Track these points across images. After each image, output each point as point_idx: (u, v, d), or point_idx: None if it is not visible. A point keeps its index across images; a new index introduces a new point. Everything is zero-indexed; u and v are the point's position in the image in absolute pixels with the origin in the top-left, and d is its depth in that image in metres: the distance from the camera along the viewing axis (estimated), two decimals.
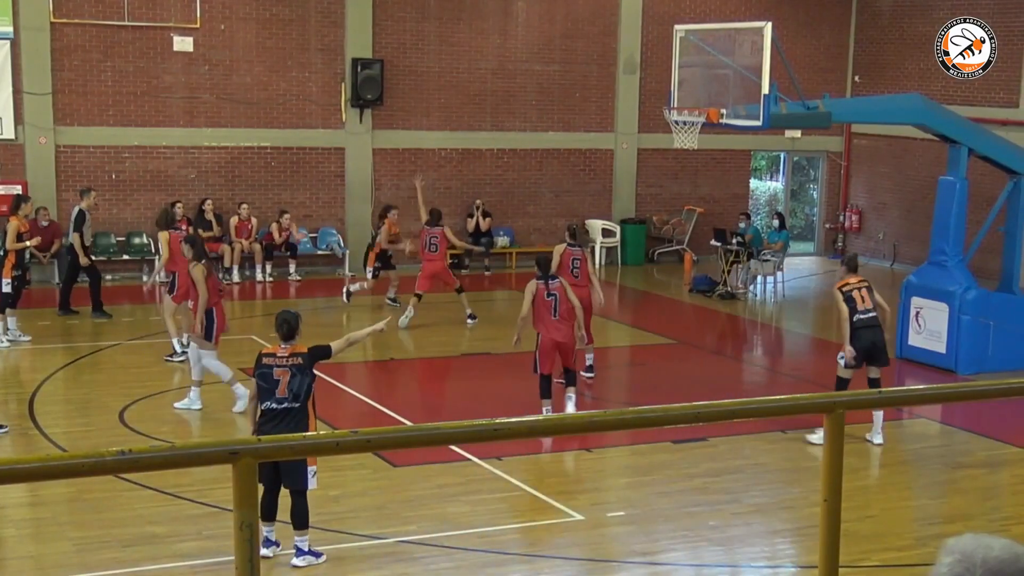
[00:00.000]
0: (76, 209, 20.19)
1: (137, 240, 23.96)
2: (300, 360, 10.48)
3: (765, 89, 16.76)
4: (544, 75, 27.17)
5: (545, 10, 26.97)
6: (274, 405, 10.38)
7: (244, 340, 17.92)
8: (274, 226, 24.49)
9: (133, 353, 18.28)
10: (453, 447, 12.79)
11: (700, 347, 20.06)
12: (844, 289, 14.33)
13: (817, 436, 13.67)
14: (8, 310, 18.27)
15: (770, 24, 17.25)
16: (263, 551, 10.15)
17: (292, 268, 24.77)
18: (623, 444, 14.00)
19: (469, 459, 13.06)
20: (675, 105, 18.42)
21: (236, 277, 24.04)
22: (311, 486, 10.35)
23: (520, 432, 4.20)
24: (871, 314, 14.19)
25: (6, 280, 18.03)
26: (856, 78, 29.42)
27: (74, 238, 20.13)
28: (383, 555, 10.70)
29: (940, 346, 18.11)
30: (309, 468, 10.23)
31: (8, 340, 18.20)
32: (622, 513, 12.16)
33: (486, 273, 26.26)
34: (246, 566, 3.49)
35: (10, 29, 22.90)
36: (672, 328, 20.60)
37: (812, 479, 12.68)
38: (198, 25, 24.21)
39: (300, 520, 10.39)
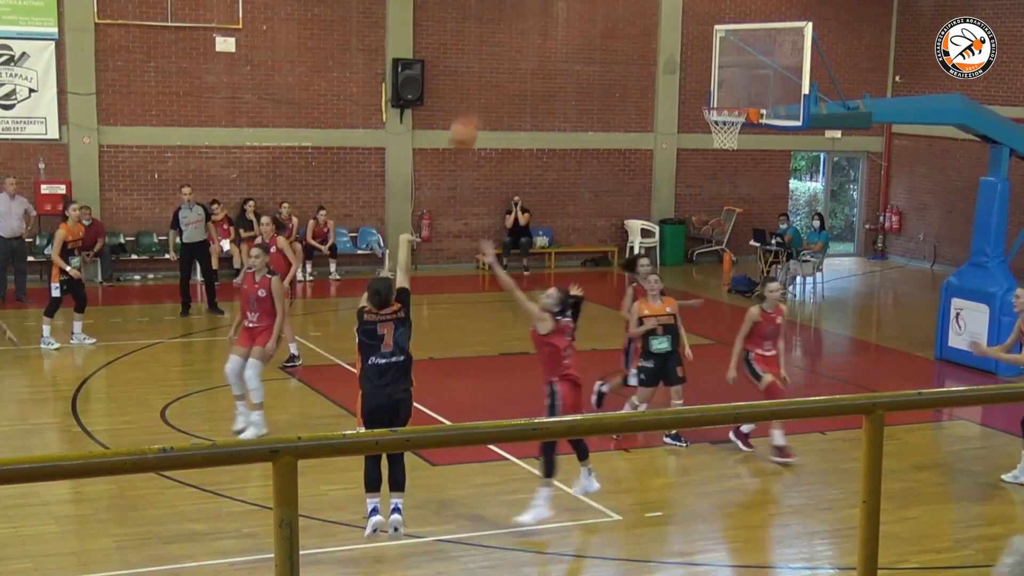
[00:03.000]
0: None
1: (178, 240, 24.11)
2: (402, 314, 10.93)
3: (805, 89, 16.71)
4: (584, 75, 27.18)
5: (585, 10, 26.98)
6: (380, 360, 10.78)
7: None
8: (311, 223, 24.62)
9: (174, 352, 18.40)
10: (491, 447, 12.82)
11: None
12: None
13: (1011, 475, 13.10)
14: (75, 314, 18.28)
15: (810, 24, 17.20)
16: (375, 519, 10.62)
17: (332, 267, 24.90)
18: (661, 444, 14.00)
19: (507, 459, 13.09)
20: (715, 105, 18.39)
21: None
22: None
23: (558, 432, 4.24)
24: None
25: (54, 284, 18.09)
26: (897, 78, 29.29)
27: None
28: (421, 554, 10.75)
29: None
30: None
31: (77, 341, 18.28)
32: (660, 513, 12.16)
33: (525, 273, 26.28)
34: (286, 564, 3.53)
35: (55, 30, 23.12)
36: (711, 328, 20.53)
37: (851, 480, 12.64)
38: (240, 26, 24.35)
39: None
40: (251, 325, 13.99)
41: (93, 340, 18.38)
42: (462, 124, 14.39)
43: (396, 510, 10.78)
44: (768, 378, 13.62)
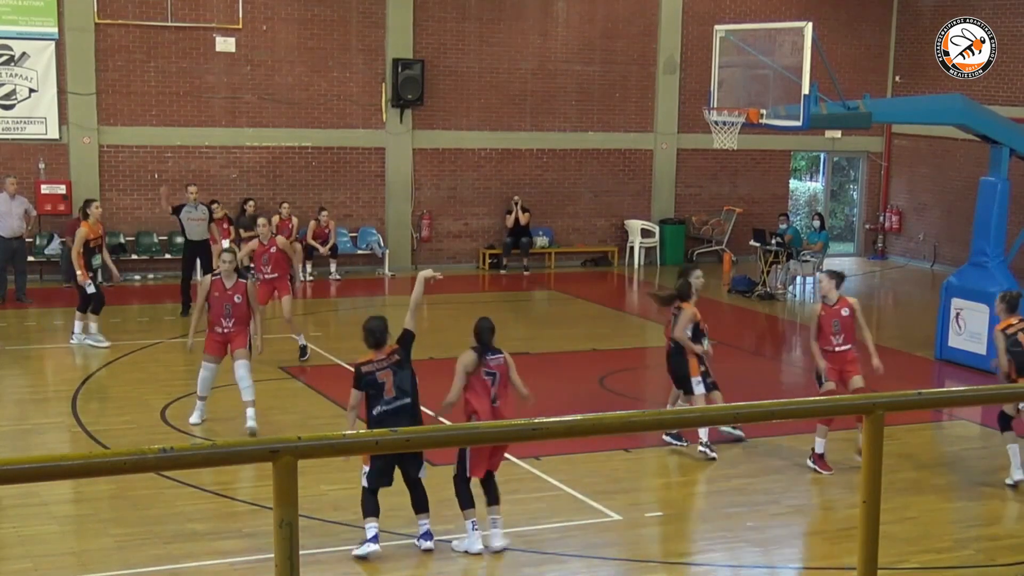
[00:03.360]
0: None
1: (179, 239, 24.04)
2: (398, 356, 10.72)
3: (805, 89, 16.70)
4: (584, 75, 27.18)
5: (585, 10, 26.98)
6: (385, 407, 10.58)
7: (285, 339, 17.97)
8: (312, 224, 24.62)
9: (174, 351, 18.38)
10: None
11: (739, 347, 20.01)
12: (1008, 332, 13.14)
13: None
14: (78, 314, 18.28)
15: (810, 24, 17.20)
16: (372, 547, 10.46)
17: (332, 267, 24.90)
18: (661, 444, 13.99)
19: (507, 459, 13.06)
20: (715, 105, 18.39)
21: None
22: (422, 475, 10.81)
23: (558, 432, 4.23)
24: None
25: (87, 283, 17.96)
26: (897, 78, 29.29)
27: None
28: (421, 553, 10.74)
29: (980, 348, 18.01)
30: None
31: (78, 341, 18.21)
32: (660, 513, 12.16)
33: (525, 273, 26.30)
34: (286, 564, 3.53)
35: (55, 30, 23.12)
36: (711, 328, 20.52)
37: (851, 480, 12.65)
38: (240, 26, 24.35)
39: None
40: (224, 331, 14.05)
41: (107, 344, 18.33)
42: None
43: (427, 535, 10.64)
44: (830, 386, 13.37)
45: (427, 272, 11.57)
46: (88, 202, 18.97)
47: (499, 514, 10.83)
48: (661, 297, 14.58)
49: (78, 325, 18.32)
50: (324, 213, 24.72)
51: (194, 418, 14.30)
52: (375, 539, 10.51)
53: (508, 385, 11.01)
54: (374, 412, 10.61)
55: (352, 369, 10.87)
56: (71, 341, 18.28)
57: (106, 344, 18.18)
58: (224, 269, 14.05)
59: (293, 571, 3.52)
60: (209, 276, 14.46)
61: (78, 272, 17.92)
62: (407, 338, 10.93)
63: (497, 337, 11.28)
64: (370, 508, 10.55)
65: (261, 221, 17.80)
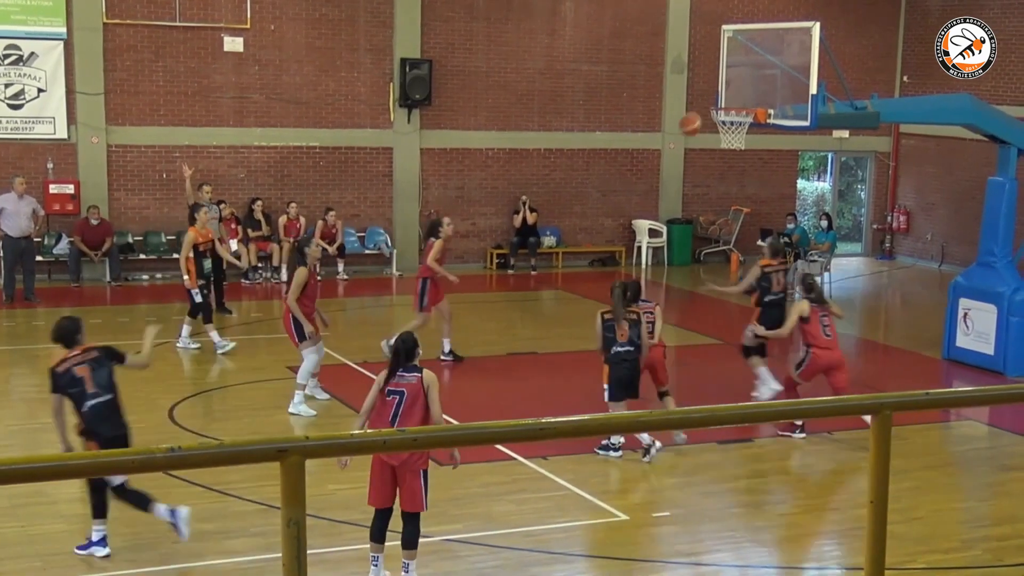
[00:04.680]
0: None
1: None
2: (95, 353, 10.53)
3: (813, 89, 16.69)
4: (591, 75, 27.18)
5: (593, 10, 26.98)
6: (92, 402, 10.37)
7: (283, 339, 17.98)
8: (319, 224, 24.61)
9: (183, 351, 18.39)
10: (499, 446, 12.83)
11: None
12: (766, 269, 15.94)
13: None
14: (187, 319, 18.21)
15: (818, 24, 17.17)
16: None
17: (340, 267, 24.91)
18: (668, 444, 13.99)
19: (515, 458, 13.09)
20: (722, 105, 18.37)
21: (285, 276, 24.15)
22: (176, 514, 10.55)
23: (566, 431, 4.24)
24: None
25: (194, 290, 17.89)
26: (905, 78, 29.26)
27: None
28: (429, 553, 10.74)
29: (988, 348, 18.00)
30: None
31: (183, 345, 18.11)
32: (667, 513, 12.16)
33: (532, 273, 26.30)
34: (294, 564, 3.54)
35: (63, 30, 23.16)
36: (718, 328, 20.55)
37: (858, 480, 12.64)
38: (248, 25, 24.38)
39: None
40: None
41: (233, 344, 18.16)
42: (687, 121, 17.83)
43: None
44: None
45: (151, 329, 11.48)
46: (197, 206, 18.96)
47: (411, 559, 9.85)
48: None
49: (185, 329, 18.21)
50: (332, 213, 24.71)
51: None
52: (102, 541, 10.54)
53: (420, 408, 9.87)
54: (83, 409, 10.38)
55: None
56: (177, 345, 18.20)
57: (231, 346, 18.05)
58: (315, 258, 14.86)
59: (301, 570, 3.53)
60: (303, 268, 14.56)
61: (185, 278, 17.89)
62: (114, 353, 10.74)
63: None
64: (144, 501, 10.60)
65: (446, 220, 17.96)
